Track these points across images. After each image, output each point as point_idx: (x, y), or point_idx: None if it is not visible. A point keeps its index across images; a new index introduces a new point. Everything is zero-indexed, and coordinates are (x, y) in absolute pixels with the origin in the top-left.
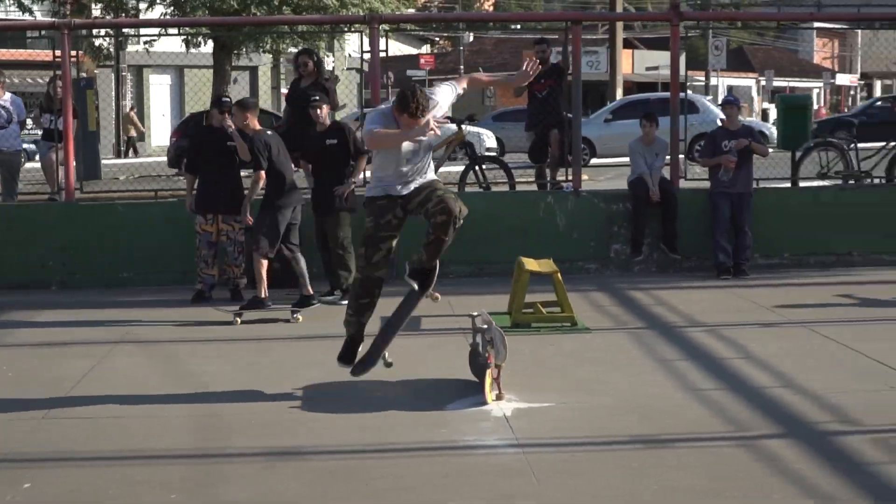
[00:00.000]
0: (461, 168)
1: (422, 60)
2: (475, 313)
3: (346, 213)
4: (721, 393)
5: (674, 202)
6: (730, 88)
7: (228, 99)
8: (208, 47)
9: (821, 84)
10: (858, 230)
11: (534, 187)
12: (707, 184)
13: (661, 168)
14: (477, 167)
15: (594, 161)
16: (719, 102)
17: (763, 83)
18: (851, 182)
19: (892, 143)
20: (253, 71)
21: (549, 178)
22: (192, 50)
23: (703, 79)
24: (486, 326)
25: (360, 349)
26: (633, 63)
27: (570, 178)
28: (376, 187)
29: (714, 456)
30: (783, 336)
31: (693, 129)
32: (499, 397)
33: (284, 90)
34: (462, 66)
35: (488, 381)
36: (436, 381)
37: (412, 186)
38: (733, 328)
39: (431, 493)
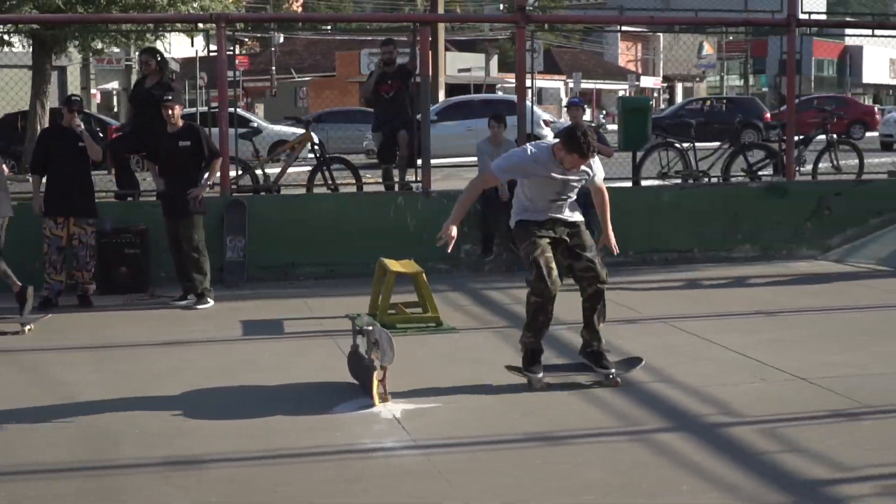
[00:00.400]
0: (308, 168)
1: (237, 61)
2: (354, 314)
3: (200, 216)
4: (601, 389)
5: None
6: (540, 91)
7: (79, 98)
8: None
9: (626, 86)
10: (698, 227)
11: (379, 188)
12: None
13: None
14: (325, 168)
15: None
16: (564, 104)
17: (571, 85)
18: (690, 181)
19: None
20: (62, 71)
21: (397, 179)
22: (5, 49)
23: (514, 81)
24: (370, 328)
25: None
26: (446, 65)
27: (419, 178)
28: (524, 212)
29: (613, 451)
30: (647, 333)
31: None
32: (384, 399)
33: (95, 90)
34: (274, 67)
35: (375, 383)
36: (314, 385)
37: (559, 215)
38: None
39: (344, 499)
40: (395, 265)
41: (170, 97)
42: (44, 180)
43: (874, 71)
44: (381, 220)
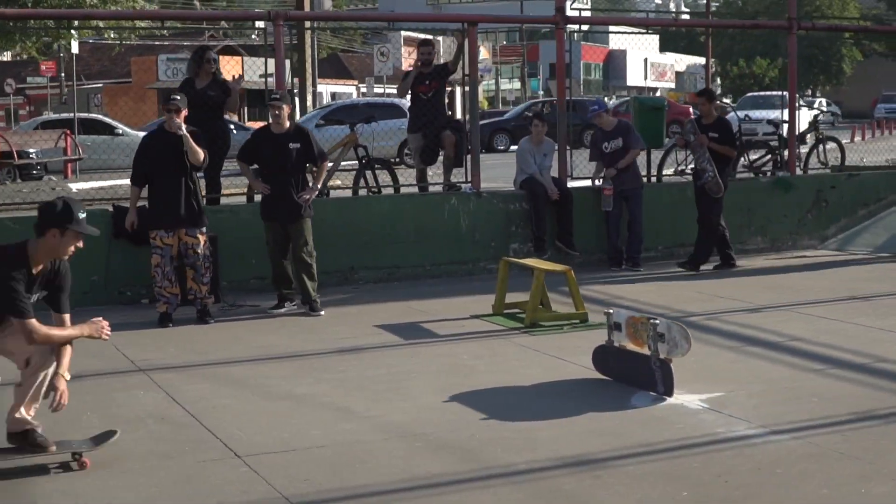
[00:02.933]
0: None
1: (43, 67)
2: (609, 310)
3: (310, 219)
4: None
5: (569, 200)
6: (333, 95)
7: (178, 97)
8: None
9: None
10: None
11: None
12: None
13: (549, 167)
14: (369, 171)
15: None
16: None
17: (364, 90)
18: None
19: None
20: None
21: (444, 181)
22: None
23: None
24: (657, 322)
25: None
26: (244, 70)
27: (468, 179)
28: None
29: None
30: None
31: (403, 133)
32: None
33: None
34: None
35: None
36: (562, 383)
37: None
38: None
39: (779, 490)
40: (540, 264)
41: (277, 96)
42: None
43: (635, 74)
44: (435, 221)
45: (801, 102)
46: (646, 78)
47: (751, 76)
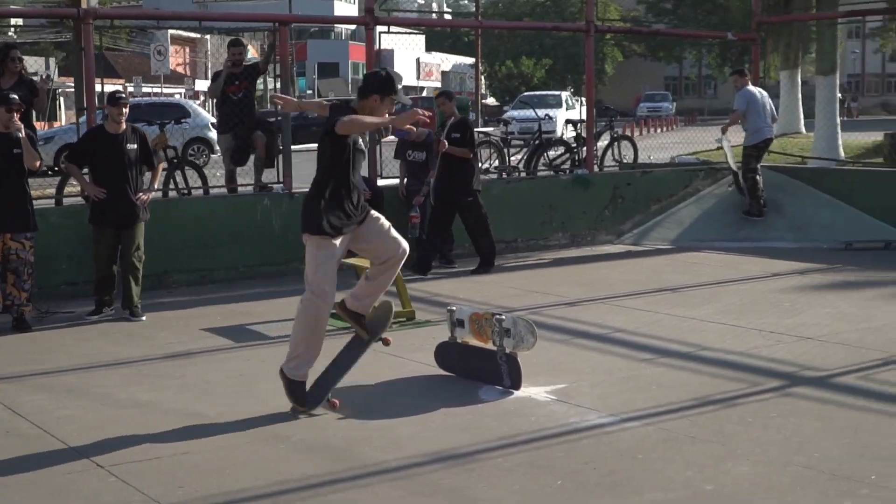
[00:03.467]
0: None
1: None
2: (452, 307)
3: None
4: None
5: (381, 199)
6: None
7: (16, 97)
8: None
9: (183, 90)
10: (521, 219)
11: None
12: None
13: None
14: (179, 171)
15: None
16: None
17: (132, 89)
18: (505, 175)
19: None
20: None
21: (255, 182)
22: None
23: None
24: (503, 318)
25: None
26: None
27: (281, 179)
28: None
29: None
30: (614, 311)
31: (188, 133)
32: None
33: None
34: None
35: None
36: (406, 380)
37: None
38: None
39: (642, 473)
40: (367, 263)
41: (122, 95)
42: None
43: (405, 73)
44: (248, 222)
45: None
46: (418, 77)
47: (518, 76)
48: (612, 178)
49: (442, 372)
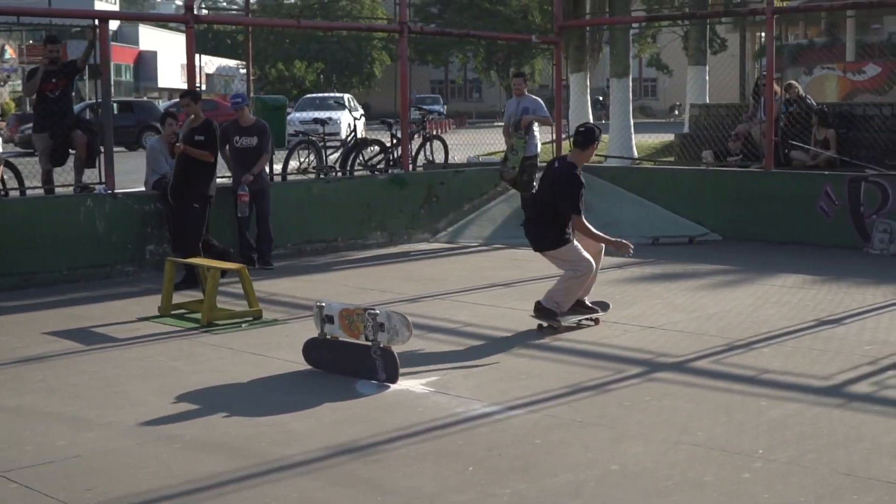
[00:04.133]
0: None
1: None
2: (321, 303)
3: None
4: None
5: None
6: None
7: None
8: None
9: None
10: (340, 218)
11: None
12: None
13: None
14: None
15: None
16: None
17: None
18: (322, 176)
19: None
20: None
21: (75, 182)
22: None
23: None
24: (377, 312)
25: None
26: None
27: (103, 179)
28: None
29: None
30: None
31: None
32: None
33: None
34: None
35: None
36: (275, 378)
37: None
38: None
39: (545, 458)
40: (211, 263)
41: None
42: None
43: (168, 75)
44: (71, 224)
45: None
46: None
47: (290, 79)
48: (427, 177)
49: (310, 368)
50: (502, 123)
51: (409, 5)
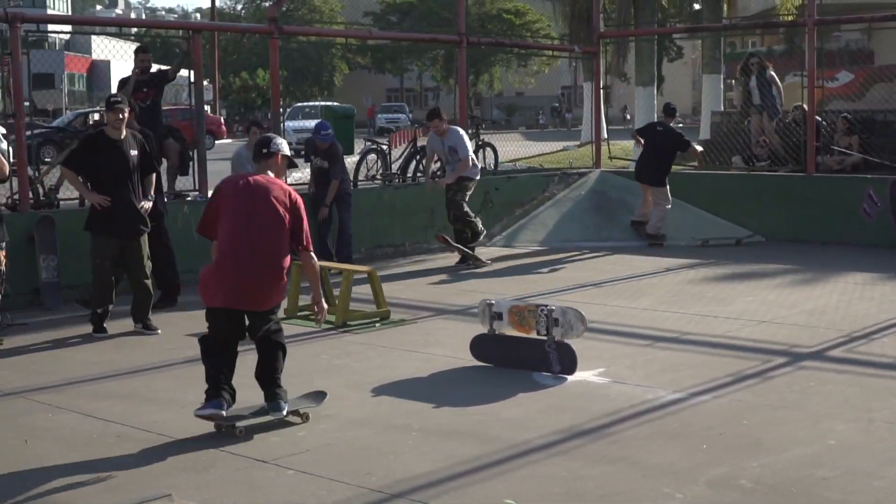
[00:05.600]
0: None
1: None
2: (490, 301)
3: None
4: None
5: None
6: None
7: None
8: None
9: None
10: (408, 224)
11: None
12: None
13: None
14: None
15: None
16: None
17: None
18: (389, 182)
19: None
20: None
21: (168, 189)
22: None
23: None
24: (552, 308)
25: None
26: None
27: (196, 187)
28: None
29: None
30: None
31: None
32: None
33: None
34: None
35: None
36: (449, 372)
37: None
38: None
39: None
40: (342, 266)
41: (119, 99)
42: None
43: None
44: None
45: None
46: None
47: (254, 88)
48: (484, 183)
49: (473, 363)
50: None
51: (368, 14)
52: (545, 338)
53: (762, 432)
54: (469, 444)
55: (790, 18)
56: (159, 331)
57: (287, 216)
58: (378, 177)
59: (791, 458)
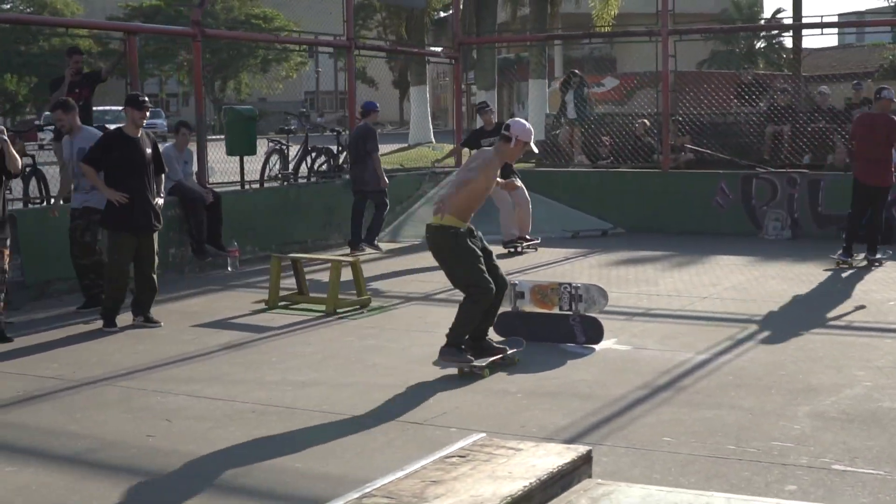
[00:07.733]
0: None
1: None
2: (513, 282)
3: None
4: None
5: (219, 203)
6: None
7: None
8: None
9: None
10: (309, 222)
11: None
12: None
13: (192, 173)
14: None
15: None
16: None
17: None
18: (286, 182)
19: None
20: None
21: None
22: None
23: None
24: (577, 286)
25: None
26: None
27: None
28: None
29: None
30: None
31: None
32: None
33: None
34: None
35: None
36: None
37: None
38: None
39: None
40: (329, 256)
41: (145, 98)
42: None
43: None
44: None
45: None
46: None
47: (2, 93)
48: None
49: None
50: None
51: (112, 18)
52: (569, 312)
53: (806, 380)
54: (576, 401)
55: (608, 29)
56: (161, 323)
57: None
58: (279, 175)
59: (850, 396)
